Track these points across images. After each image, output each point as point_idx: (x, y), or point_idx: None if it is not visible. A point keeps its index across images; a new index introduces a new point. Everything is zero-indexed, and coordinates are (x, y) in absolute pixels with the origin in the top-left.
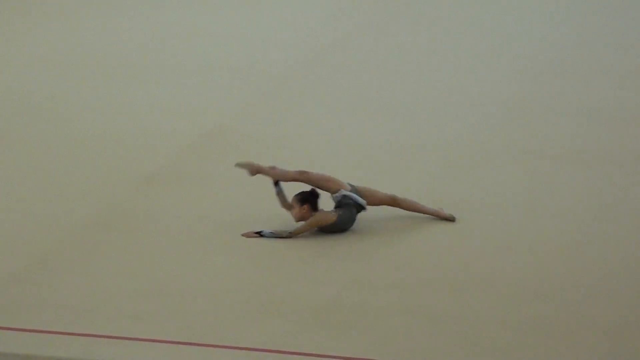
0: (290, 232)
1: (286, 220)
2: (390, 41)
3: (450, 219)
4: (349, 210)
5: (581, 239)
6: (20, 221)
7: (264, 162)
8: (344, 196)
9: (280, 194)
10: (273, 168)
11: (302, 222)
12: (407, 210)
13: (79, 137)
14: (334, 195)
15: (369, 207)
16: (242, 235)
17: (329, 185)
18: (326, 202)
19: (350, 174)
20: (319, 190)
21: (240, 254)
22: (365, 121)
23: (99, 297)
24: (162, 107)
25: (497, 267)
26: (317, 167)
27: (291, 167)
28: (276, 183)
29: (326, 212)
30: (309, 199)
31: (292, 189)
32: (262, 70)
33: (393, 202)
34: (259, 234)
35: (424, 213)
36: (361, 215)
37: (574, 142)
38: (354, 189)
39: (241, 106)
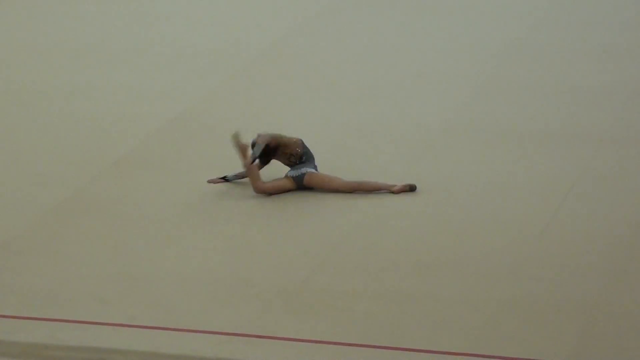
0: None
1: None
2: (362, 22)
3: (411, 189)
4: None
5: (551, 218)
6: None
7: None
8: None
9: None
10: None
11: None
12: (369, 190)
13: (46, 121)
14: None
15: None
16: (208, 181)
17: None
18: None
19: (321, 157)
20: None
21: (209, 237)
22: (336, 103)
23: (66, 281)
24: (131, 91)
25: (467, 247)
26: None
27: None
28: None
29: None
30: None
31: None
32: (231, 53)
33: (354, 189)
34: (224, 179)
35: (382, 189)
36: (329, 198)
37: (547, 122)
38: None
39: (210, 90)
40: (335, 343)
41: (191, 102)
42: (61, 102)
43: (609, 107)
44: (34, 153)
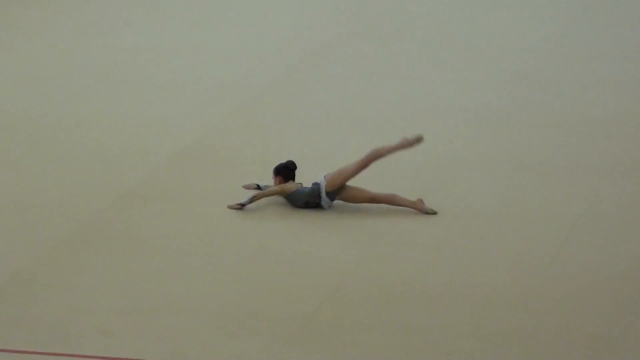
0: (256, 194)
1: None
2: (368, 53)
3: (431, 213)
4: (310, 193)
5: (559, 250)
6: None
7: (241, 176)
8: (317, 188)
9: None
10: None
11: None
12: (387, 204)
13: (54, 154)
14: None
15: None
16: (228, 207)
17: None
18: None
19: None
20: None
21: (217, 269)
22: (343, 133)
23: (72, 314)
24: (139, 123)
25: (474, 279)
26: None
27: (265, 181)
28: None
29: (290, 183)
30: (281, 171)
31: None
32: (239, 85)
33: (372, 200)
34: (241, 205)
35: (403, 205)
36: (338, 228)
37: (555, 153)
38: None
39: (217, 121)
40: None
41: (198, 134)
42: (68, 133)
43: (616, 139)
44: (40, 184)
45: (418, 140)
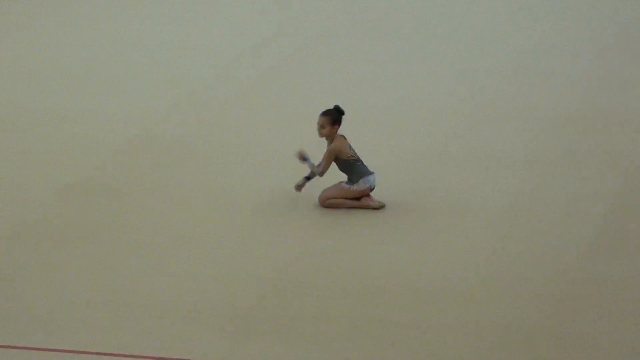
0: (319, 172)
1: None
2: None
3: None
4: (371, 180)
5: (498, 242)
6: None
7: (190, 168)
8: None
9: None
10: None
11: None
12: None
13: (2, 146)
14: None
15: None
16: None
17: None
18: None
19: (274, 178)
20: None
21: (170, 262)
22: (296, 127)
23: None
24: (86, 115)
25: (415, 270)
26: (241, 174)
27: (215, 173)
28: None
29: (343, 140)
30: (338, 119)
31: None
32: (187, 76)
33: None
34: (307, 179)
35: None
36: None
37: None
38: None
39: (165, 113)
40: None
41: (147, 125)
42: (18, 126)
43: (560, 132)
44: (5, 176)
45: (378, 207)
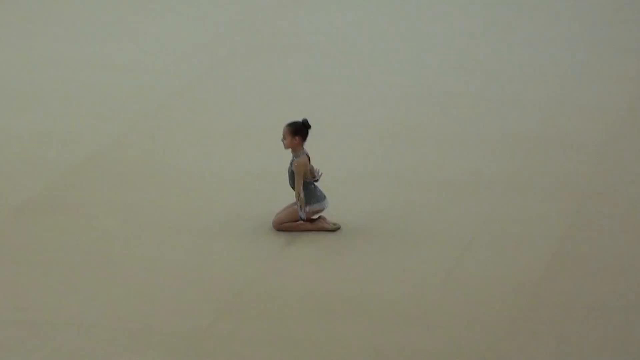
0: (300, 195)
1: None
2: (267, 68)
3: (334, 228)
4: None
5: (455, 265)
6: None
7: (142, 189)
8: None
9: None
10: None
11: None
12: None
13: None
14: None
15: None
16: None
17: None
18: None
19: (232, 202)
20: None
21: (114, 283)
22: (242, 148)
23: None
24: (35, 134)
25: (369, 293)
26: (194, 194)
27: (162, 194)
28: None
29: (304, 158)
30: (301, 131)
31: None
32: (136, 98)
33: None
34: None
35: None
36: (237, 240)
37: (451, 169)
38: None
39: (117, 133)
40: None
41: (98, 146)
42: None
43: (513, 156)
44: None
45: (334, 229)
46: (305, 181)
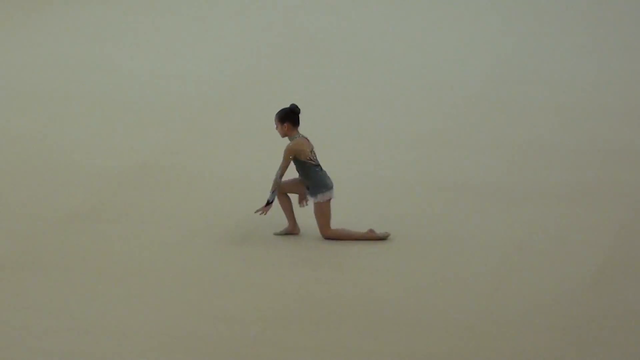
0: (278, 177)
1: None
2: (308, 75)
3: (384, 237)
4: (316, 172)
5: (501, 274)
6: None
7: (188, 197)
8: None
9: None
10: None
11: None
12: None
13: (0, 172)
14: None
15: None
16: (256, 212)
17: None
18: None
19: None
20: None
21: (160, 290)
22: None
23: (12, 335)
24: (85, 143)
25: (417, 301)
26: (238, 202)
27: (211, 202)
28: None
29: (301, 141)
30: (288, 116)
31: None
32: (185, 104)
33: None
34: (268, 203)
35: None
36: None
37: (493, 177)
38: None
39: (165, 142)
40: None
41: (146, 155)
42: (14, 152)
43: (559, 164)
44: None
45: (384, 237)
46: (311, 165)
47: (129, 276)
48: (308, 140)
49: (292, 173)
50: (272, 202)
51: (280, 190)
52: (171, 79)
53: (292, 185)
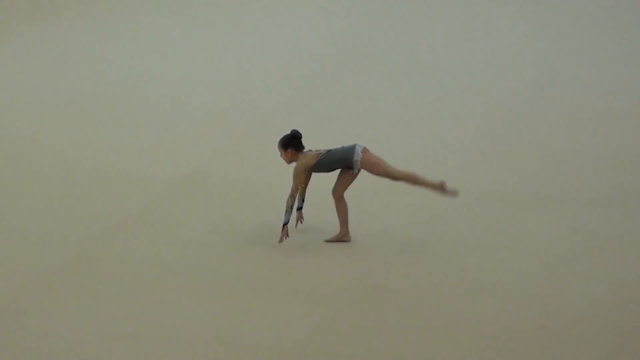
0: (289, 197)
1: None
2: (360, 84)
3: (453, 193)
4: (346, 152)
5: (554, 280)
6: None
7: (239, 205)
8: (354, 150)
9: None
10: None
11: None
12: (406, 182)
13: (50, 180)
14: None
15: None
16: (279, 242)
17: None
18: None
19: (321, 216)
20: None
21: (213, 297)
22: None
23: (68, 342)
24: (136, 150)
25: (469, 309)
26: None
27: (260, 210)
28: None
29: (307, 154)
30: (290, 142)
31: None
32: (236, 113)
33: (388, 175)
34: (284, 226)
35: (427, 187)
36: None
37: (540, 185)
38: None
39: (216, 150)
40: None
41: (197, 163)
42: (63, 161)
43: (608, 171)
44: (35, 211)
45: (453, 193)
46: (325, 157)
47: (180, 282)
48: (309, 150)
49: (319, 183)
50: (286, 223)
51: (337, 193)
52: (223, 87)
53: (343, 180)
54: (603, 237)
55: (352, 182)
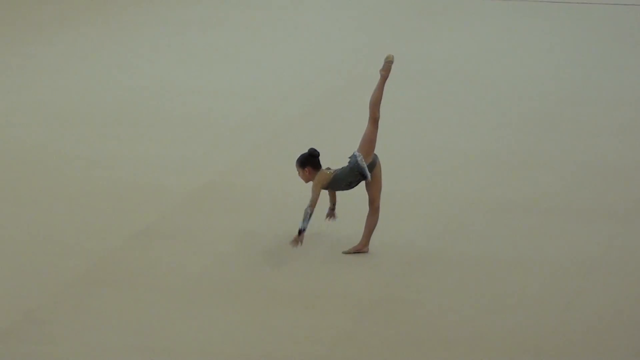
0: (308, 208)
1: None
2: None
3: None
4: (350, 171)
5: (575, 295)
6: (10, 276)
7: (259, 216)
8: (355, 162)
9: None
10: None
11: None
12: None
13: (70, 191)
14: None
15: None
16: (291, 244)
17: (364, 145)
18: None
19: (342, 228)
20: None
21: (234, 309)
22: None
23: (86, 353)
24: (154, 161)
25: (487, 322)
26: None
27: (279, 221)
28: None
29: (324, 171)
30: (308, 161)
31: None
32: (256, 124)
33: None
34: (300, 232)
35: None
36: (353, 267)
37: (562, 197)
38: (371, 164)
39: (235, 161)
40: None
41: (216, 173)
42: (84, 171)
43: (631, 184)
44: (55, 222)
45: (389, 61)
46: (339, 174)
47: (199, 295)
48: (329, 168)
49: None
50: (304, 230)
51: (374, 205)
52: (243, 99)
53: (370, 190)
54: (625, 250)
55: (379, 188)
